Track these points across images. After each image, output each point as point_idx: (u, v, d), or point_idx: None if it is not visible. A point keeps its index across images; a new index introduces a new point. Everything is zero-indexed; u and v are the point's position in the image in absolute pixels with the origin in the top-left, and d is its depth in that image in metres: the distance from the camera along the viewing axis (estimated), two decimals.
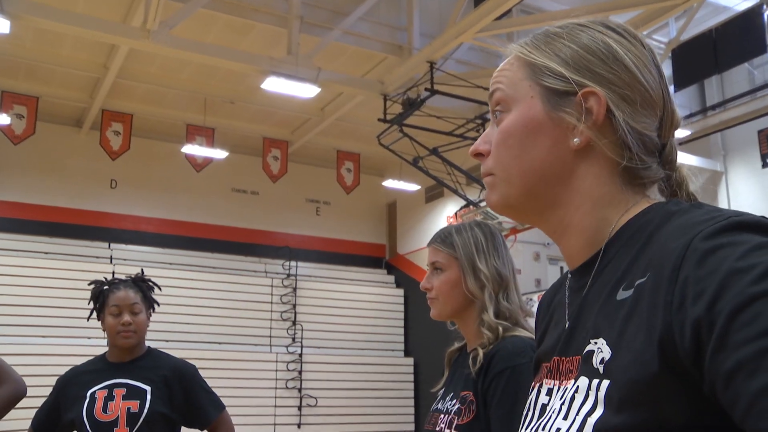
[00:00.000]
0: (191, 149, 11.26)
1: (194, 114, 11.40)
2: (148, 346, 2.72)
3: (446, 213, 12.23)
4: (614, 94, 0.79)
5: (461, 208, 10.78)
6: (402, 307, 13.15)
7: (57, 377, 2.68)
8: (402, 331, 13.05)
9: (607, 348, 0.69)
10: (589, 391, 0.69)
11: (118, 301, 2.59)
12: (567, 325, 0.82)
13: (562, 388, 0.77)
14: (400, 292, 13.40)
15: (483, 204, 9.91)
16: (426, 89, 9.13)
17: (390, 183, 12.91)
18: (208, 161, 11.55)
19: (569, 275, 0.88)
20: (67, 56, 10.10)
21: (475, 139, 10.15)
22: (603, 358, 0.69)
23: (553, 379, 0.81)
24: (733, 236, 0.62)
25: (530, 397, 0.86)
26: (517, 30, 9.69)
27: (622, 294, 0.71)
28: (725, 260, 0.60)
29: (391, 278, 13.87)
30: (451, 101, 9.49)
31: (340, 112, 11.19)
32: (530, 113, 0.82)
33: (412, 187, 12.90)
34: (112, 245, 11.65)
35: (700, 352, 0.59)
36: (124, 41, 8.56)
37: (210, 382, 2.75)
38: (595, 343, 0.71)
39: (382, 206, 14.43)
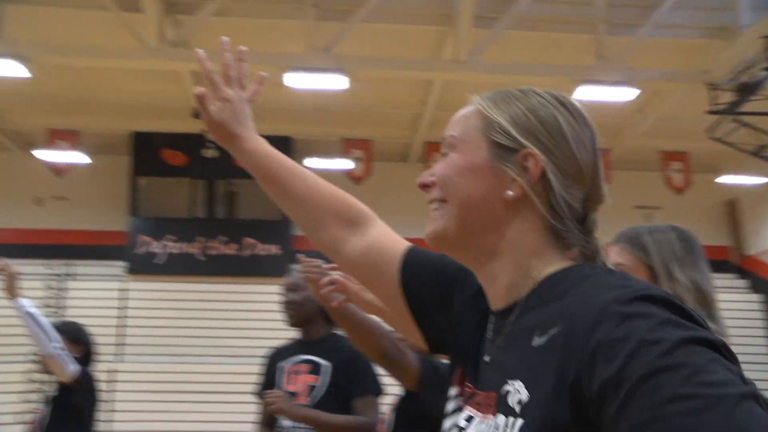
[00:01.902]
0: None
1: None
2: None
3: None
4: (551, 162, 0.88)
5: None
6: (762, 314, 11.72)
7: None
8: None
9: (525, 391, 0.77)
10: (507, 428, 0.77)
11: None
12: (488, 359, 0.91)
13: (480, 421, 0.86)
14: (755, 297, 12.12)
15: None
16: (764, 68, 8.09)
17: (727, 179, 11.71)
18: None
19: (491, 313, 0.95)
20: (389, 99, 11.03)
21: None
22: (520, 400, 0.77)
23: (473, 408, 0.89)
24: (644, 307, 0.70)
25: (448, 410, 0.97)
26: None
27: (537, 341, 0.79)
28: (637, 330, 0.67)
29: (745, 282, 12.61)
30: None
31: (660, 110, 10.48)
32: (475, 159, 0.92)
33: (757, 180, 11.55)
34: None
35: (605, 405, 0.67)
36: (440, 75, 9.09)
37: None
38: (513, 384, 0.79)
39: (719, 205, 13.06)
